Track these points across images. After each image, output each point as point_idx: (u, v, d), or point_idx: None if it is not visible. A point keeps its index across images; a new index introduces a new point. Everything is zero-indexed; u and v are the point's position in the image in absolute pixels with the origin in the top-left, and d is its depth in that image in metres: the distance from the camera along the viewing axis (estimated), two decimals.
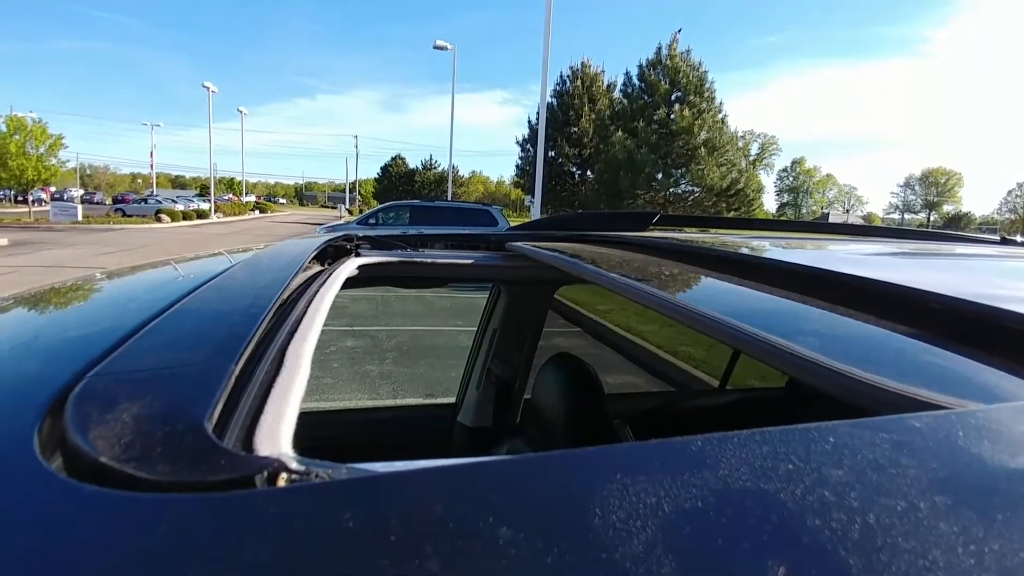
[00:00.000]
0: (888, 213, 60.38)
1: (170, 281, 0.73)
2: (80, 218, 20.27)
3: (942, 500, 0.22)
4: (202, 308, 0.49)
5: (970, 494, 0.23)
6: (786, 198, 56.63)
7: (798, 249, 0.98)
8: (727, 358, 1.90)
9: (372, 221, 10.74)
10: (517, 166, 26.78)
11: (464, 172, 52.28)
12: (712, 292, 0.65)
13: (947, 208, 56.75)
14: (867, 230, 1.61)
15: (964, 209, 56.76)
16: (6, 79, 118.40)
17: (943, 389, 0.33)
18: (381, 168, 46.14)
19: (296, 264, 0.65)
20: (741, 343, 0.44)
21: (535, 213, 13.46)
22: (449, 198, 23.81)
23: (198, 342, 0.39)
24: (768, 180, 49.38)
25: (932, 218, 55.93)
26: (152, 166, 50.11)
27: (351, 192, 54.13)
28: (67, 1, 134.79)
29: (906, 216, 58.29)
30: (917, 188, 58.20)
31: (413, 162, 45.54)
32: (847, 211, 58.40)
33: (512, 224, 2.06)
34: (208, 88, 29.62)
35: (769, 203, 46.11)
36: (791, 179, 56.86)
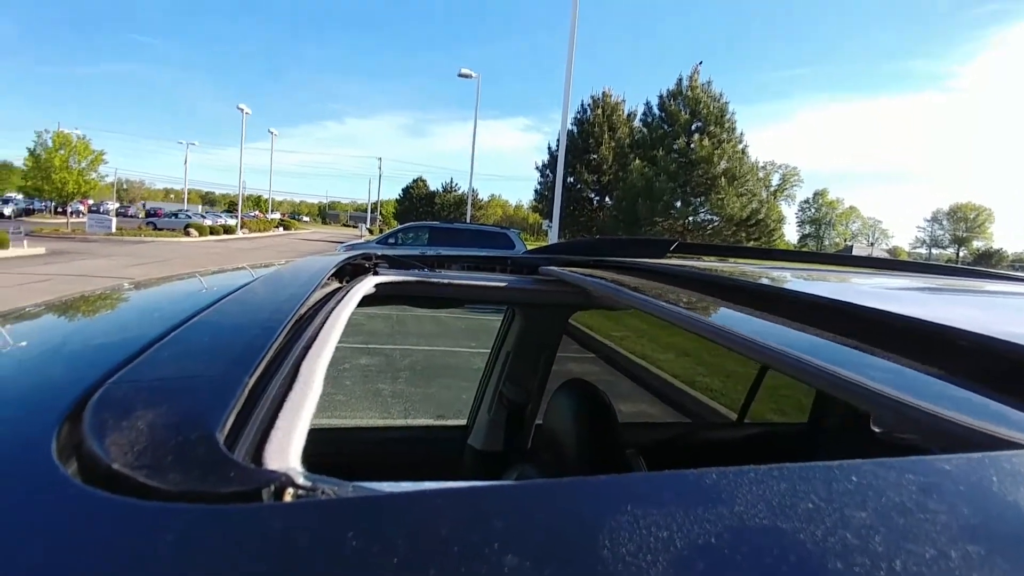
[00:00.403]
0: (915, 247, 59.03)
1: (193, 293, 0.75)
2: (114, 230, 21.06)
3: (975, 549, 0.21)
4: (222, 320, 0.50)
5: (1005, 543, 0.21)
6: (808, 229, 55.84)
7: (840, 283, 0.96)
8: (745, 390, 1.85)
9: (392, 241, 10.92)
10: (536, 191, 27.10)
11: (483, 195, 53.12)
12: (761, 324, 0.63)
13: (977, 244, 55.23)
14: (893, 264, 1.58)
15: (995, 246, 55.20)
16: (58, 99, 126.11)
17: (984, 428, 0.32)
18: (403, 190, 47.19)
19: (315, 280, 0.66)
20: (814, 377, 0.42)
21: (552, 237, 13.54)
22: (468, 220, 24.10)
23: (216, 353, 0.39)
24: (790, 211, 48.74)
25: (961, 254, 54.42)
26: (185, 182, 52.23)
27: (372, 212, 55.30)
28: (116, 29, 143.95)
29: (934, 251, 56.87)
30: (945, 223, 56.93)
31: (434, 184, 46.52)
32: (871, 244, 57.22)
33: (529, 247, 2.07)
34: (242, 110, 30.90)
35: (790, 234, 45.56)
36: (813, 210, 56.14)
